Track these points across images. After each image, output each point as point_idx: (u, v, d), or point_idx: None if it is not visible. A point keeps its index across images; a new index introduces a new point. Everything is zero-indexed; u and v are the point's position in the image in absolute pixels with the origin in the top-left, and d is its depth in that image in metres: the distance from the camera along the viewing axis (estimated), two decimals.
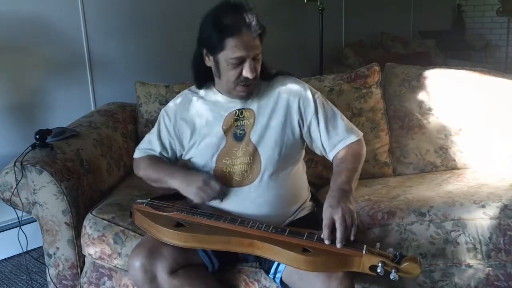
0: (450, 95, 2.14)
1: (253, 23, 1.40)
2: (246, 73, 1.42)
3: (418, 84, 2.18)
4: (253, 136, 1.50)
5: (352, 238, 1.31)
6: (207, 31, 1.43)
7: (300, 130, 1.54)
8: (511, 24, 5.72)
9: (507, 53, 5.84)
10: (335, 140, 1.54)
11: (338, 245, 1.28)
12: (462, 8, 6.16)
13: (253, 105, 1.53)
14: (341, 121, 1.57)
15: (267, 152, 1.49)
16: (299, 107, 1.53)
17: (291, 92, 1.55)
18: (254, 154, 1.50)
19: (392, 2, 5.24)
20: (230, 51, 1.40)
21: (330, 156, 1.57)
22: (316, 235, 1.33)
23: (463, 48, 5.85)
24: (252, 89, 1.50)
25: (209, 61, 1.49)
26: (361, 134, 1.59)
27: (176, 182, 1.51)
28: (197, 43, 1.50)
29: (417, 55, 4.78)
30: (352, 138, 1.55)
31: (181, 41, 3.26)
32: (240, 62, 1.42)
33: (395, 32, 5.16)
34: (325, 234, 1.30)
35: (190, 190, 1.47)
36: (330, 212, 1.31)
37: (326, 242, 1.29)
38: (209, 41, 1.43)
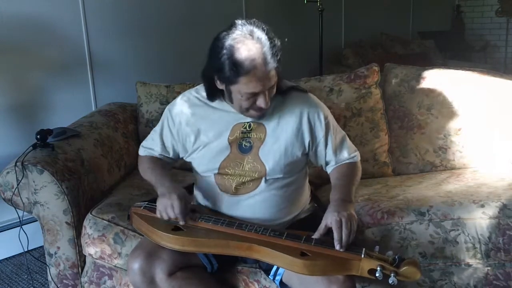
0: (449, 95, 2.15)
1: (269, 57, 1.31)
2: (261, 104, 1.38)
3: (417, 84, 2.19)
4: (262, 153, 1.48)
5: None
6: (220, 60, 1.33)
7: (309, 150, 1.54)
8: (510, 24, 5.73)
9: (506, 54, 5.85)
10: (339, 159, 1.57)
11: (337, 247, 1.28)
12: (461, 8, 6.17)
13: (264, 120, 1.49)
14: (346, 144, 1.59)
15: (274, 168, 1.48)
16: (310, 128, 1.51)
17: (305, 111, 1.51)
18: (261, 168, 1.48)
19: (391, 2, 5.25)
20: (244, 86, 1.33)
21: (328, 170, 1.60)
22: (314, 239, 1.33)
23: (462, 48, 5.86)
24: (266, 111, 1.45)
25: (220, 85, 1.41)
26: (359, 157, 1.61)
27: (159, 191, 1.51)
28: (207, 65, 1.40)
29: (417, 55, 4.79)
30: (353, 159, 1.58)
31: (182, 41, 3.28)
32: (254, 95, 1.36)
33: (395, 33, 5.16)
34: (321, 229, 1.33)
35: (158, 204, 1.46)
36: (334, 215, 1.32)
37: (337, 247, 1.29)
38: (221, 72, 1.34)
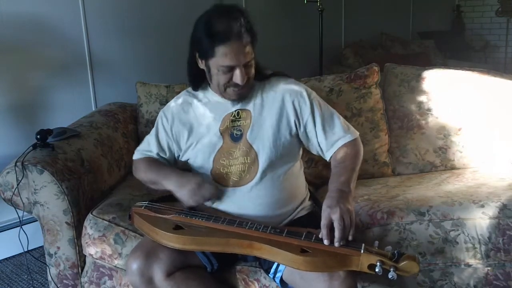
0: (449, 95, 2.15)
1: (244, 30, 1.40)
2: (236, 79, 1.44)
3: (417, 84, 2.19)
4: (250, 136, 1.51)
5: (350, 238, 1.31)
6: (198, 35, 1.43)
7: (297, 130, 1.55)
8: (510, 24, 5.72)
9: (506, 54, 5.84)
10: (332, 139, 1.54)
11: (336, 244, 1.28)
12: (461, 8, 6.17)
13: (249, 106, 1.54)
14: (338, 121, 1.57)
15: (264, 152, 1.50)
16: (294, 107, 1.53)
17: (287, 92, 1.54)
18: (251, 154, 1.50)
19: (391, 2, 5.25)
20: (220, 59, 1.41)
21: (327, 156, 1.56)
22: (314, 235, 1.34)
23: (462, 48, 5.86)
24: (244, 92, 1.50)
25: (201, 64, 1.49)
26: (357, 133, 1.58)
27: (170, 185, 1.52)
28: (190, 45, 1.49)
29: (417, 55, 4.79)
30: (349, 137, 1.54)
31: (181, 41, 3.25)
32: (230, 69, 1.43)
33: (395, 33, 5.16)
34: (323, 233, 1.31)
35: (183, 193, 1.47)
36: (328, 212, 1.31)
37: (325, 242, 1.30)
38: (200, 45, 1.44)
